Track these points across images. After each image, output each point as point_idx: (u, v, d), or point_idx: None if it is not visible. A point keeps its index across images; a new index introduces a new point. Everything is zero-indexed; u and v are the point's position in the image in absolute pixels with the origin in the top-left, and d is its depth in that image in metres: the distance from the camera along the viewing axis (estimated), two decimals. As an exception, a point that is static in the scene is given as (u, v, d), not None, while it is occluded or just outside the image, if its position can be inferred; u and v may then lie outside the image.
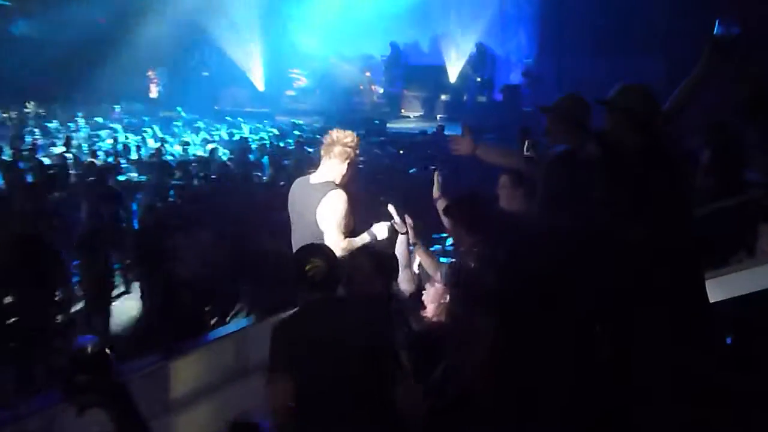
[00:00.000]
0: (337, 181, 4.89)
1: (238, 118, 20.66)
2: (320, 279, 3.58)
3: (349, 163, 4.90)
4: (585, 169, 3.50)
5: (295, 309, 3.75)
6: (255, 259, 7.05)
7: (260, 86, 25.41)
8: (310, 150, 13.55)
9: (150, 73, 26.04)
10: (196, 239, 7.89)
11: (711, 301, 3.70)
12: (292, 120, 20.14)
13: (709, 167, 5.72)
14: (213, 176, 11.62)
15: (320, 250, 3.76)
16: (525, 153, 4.00)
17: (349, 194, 4.88)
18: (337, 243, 4.63)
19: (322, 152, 4.94)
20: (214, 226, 8.24)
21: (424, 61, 23.85)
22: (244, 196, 9.71)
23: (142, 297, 7.94)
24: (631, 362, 3.37)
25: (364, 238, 4.86)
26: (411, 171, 11.09)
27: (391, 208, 4.87)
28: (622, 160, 3.52)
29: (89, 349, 1.66)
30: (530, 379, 3.17)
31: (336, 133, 4.92)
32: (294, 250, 4.62)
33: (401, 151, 13.20)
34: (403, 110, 22.65)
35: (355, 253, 4.24)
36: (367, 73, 23.80)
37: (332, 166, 4.89)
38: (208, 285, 6.89)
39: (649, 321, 3.41)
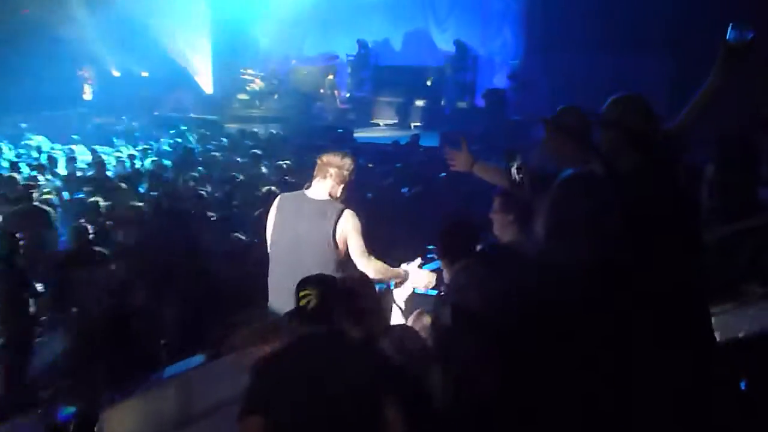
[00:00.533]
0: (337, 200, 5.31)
1: (182, 127, 20.46)
2: (311, 311, 3.67)
3: (343, 187, 5.32)
4: (600, 195, 3.54)
5: (283, 343, 3.80)
6: (204, 288, 7.02)
7: (207, 89, 25.32)
8: (266, 163, 13.52)
9: (82, 73, 25.79)
10: (131, 266, 7.82)
11: (720, 338, 3.75)
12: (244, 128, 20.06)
13: (718, 185, 5.77)
14: (154, 192, 11.52)
15: (319, 280, 3.86)
16: (514, 177, 4.04)
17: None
18: (369, 265, 5.13)
19: (317, 171, 5.34)
20: (154, 251, 8.18)
21: (396, 62, 23.92)
22: (189, 217, 9.64)
23: (68, 333, 7.83)
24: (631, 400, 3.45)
25: (397, 272, 5.37)
26: (403, 191, 11.02)
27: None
28: (620, 181, 3.56)
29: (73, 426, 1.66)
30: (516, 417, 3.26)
31: (328, 156, 5.35)
32: (282, 270, 5.13)
33: (370, 165, 13.23)
34: (372, 117, 22.70)
35: (368, 288, 4.39)
36: (330, 76, 23.83)
37: (329, 187, 5.30)
38: (148, 318, 6.84)
39: (650, 354, 3.47)
